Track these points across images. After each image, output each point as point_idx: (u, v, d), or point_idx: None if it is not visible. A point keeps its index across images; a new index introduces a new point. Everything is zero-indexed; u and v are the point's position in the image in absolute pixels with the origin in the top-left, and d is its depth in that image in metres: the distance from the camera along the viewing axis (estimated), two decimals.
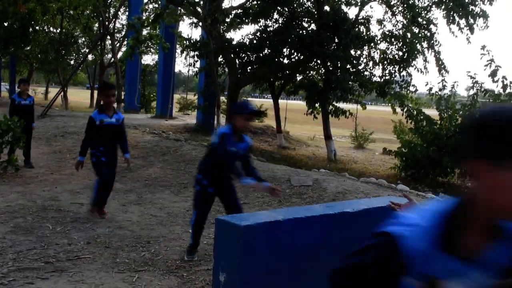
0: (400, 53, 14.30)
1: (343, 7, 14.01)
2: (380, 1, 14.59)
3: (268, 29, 14.93)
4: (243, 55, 14.86)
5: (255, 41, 14.80)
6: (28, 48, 30.63)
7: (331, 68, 13.97)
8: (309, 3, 14.83)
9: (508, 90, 9.80)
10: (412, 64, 14.30)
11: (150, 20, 13.28)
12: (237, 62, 14.66)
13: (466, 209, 1.20)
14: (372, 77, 14.88)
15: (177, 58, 23.24)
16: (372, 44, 14.60)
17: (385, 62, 14.69)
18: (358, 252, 1.43)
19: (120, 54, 30.81)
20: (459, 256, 1.19)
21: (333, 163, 13.70)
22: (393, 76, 14.66)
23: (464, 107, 11.27)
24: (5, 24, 27.66)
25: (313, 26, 14.65)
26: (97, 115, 5.82)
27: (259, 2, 14.39)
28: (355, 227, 3.88)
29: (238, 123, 4.35)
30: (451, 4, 13.03)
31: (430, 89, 12.24)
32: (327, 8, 13.79)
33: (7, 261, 4.30)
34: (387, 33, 14.48)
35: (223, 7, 13.32)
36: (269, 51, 14.46)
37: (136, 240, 5.12)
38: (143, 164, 9.67)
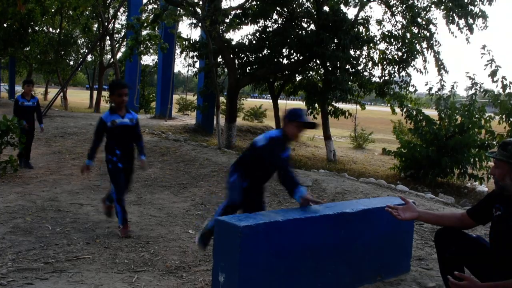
0: (400, 54, 14.30)
1: (343, 7, 14.02)
2: (380, 1, 14.60)
3: (268, 30, 14.93)
4: (243, 55, 14.86)
5: (254, 42, 14.80)
6: (27, 48, 30.66)
7: (330, 69, 13.97)
8: (308, 3, 14.83)
9: (508, 90, 9.80)
10: (412, 65, 14.31)
11: (149, 21, 13.29)
12: (237, 62, 14.66)
13: None
14: (372, 77, 14.89)
15: (177, 58, 23.26)
16: (371, 45, 14.61)
17: (385, 63, 14.69)
18: None
19: (119, 54, 30.84)
20: None
21: (332, 164, 13.70)
22: (393, 76, 14.66)
23: (464, 107, 11.28)
24: (5, 25, 27.67)
25: (312, 26, 14.65)
26: (108, 116, 5.37)
27: (258, 2, 14.38)
28: (354, 227, 3.89)
29: (290, 131, 4.01)
30: (451, 4, 13.04)
31: (430, 89, 12.25)
32: (326, 8, 13.79)
33: (6, 261, 4.30)
34: (387, 33, 14.48)
35: (223, 8, 13.32)
36: (268, 51, 14.46)
37: (136, 241, 5.12)
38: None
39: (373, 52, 15.02)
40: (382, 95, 14.81)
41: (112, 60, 29.96)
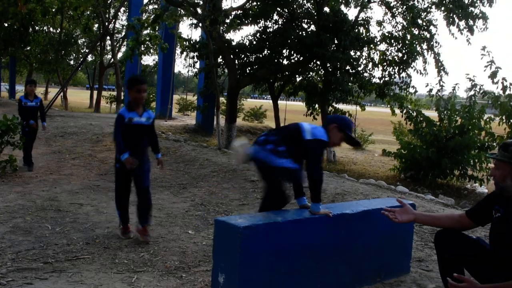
0: (400, 55, 14.31)
1: (343, 8, 14.03)
2: (380, 2, 14.61)
3: (268, 30, 14.94)
4: (243, 56, 14.87)
5: (254, 42, 14.81)
6: (28, 48, 30.66)
7: (330, 69, 13.98)
8: (308, 4, 14.84)
9: (508, 92, 9.81)
10: (412, 66, 14.32)
11: (149, 21, 13.29)
12: (237, 63, 14.66)
13: None
14: (372, 78, 14.91)
15: (177, 59, 23.26)
16: (371, 46, 14.62)
17: (385, 64, 14.70)
18: None
19: (120, 54, 30.86)
20: None
21: (332, 164, 13.71)
22: (393, 77, 14.67)
23: (464, 108, 11.28)
24: (5, 24, 27.68)
25: (312, 27, 14.66)
26: (126, 112, 5.01)
27: (259, 3, 14.39)
28: (354, 228, 3.89)
29: (335, 139, 3.87)
30: (451, 5, 13.05)
31: (430, 90, 12.26)
32: (326, 9, 13.81)
33: (6, 261, 4.30)
34: (387, 34, 14.49)
35: (223, 8, 13.32)
36: (268, 52, 14.47)
37: (135, 241, 5.12)
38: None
39: (374, 53, 15.04)
40: (382, 96, 14.82)
41: (112, 60, 30.00)
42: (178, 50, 21.21)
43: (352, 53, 13.97)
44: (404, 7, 14.07)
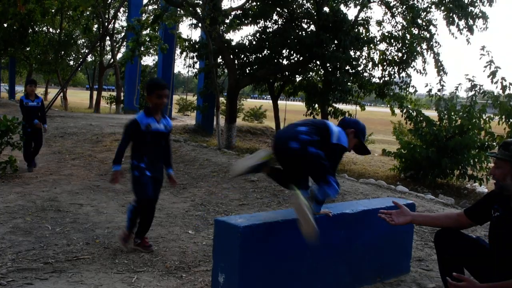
0: (400, 54, 14.31)
1: (343, 8, 14.03)
2: (380, 2, 14.62)
3: (268, 30, 14.93)
4: (243, 56, 14.87)
5: (254, 42, 14.81)
6: (27, 49, 30.67)
7: (330, 69, 13.98)
8: (308, 4, 14.84)
9: (507, 91, 9.82)
10: (412, 65, 14.33)
11: (149, 22, 13.30)
12: (237, 63, 14.67)
13: None
14: (372, 78, 14.91)
15: (177, 59, 23.26)
16: (371, 45, 14.62)
17: (385, 63, 14.70)
18: None
19: (119, 55, 30.89)
20: None
21: None
22: (393, 77, 14.67)
23: (464, 108, 11.28)
24: (5, 25, 27.68)
25: (312, 27, 14.66)
26: (143, 118, 4.65)
27: (258, 3, 14.39)
28: (354, 228, 3.89)
29: (352, 145, 3.77)
30: (451, 5, 13.05)
31: (430, 90, 12.26)
32: (326, 9, 13.81)
33: (6, 261, 4.30)
34: (387, 34, 14.50)
35: (223, 8, 13.33)
36: (268, 52, 14.47)
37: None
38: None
39: (373, 53, 15.04)
40: (382, 96, 14.82)
41: (112, 60, 30.00)
42: (177, 51, 21.22)
43: (352, 53, 13.98)
44: (404, 6, 14.07)
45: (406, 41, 13.89)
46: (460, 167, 11.20)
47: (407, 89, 14.80)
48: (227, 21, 13.50)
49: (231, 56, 14.17)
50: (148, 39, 13.56)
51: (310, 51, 13.18)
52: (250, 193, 7.34)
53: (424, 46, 14.30)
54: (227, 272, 3.28)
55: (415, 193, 8.50)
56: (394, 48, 14.43)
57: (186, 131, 17.00)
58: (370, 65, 14.90)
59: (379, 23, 14.83)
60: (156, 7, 23.57)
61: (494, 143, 10.56)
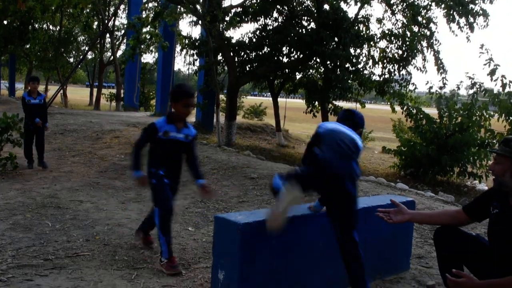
0: (400, 52, 14.30)
1: (343, 5, 14.02)
2: None
3: (268, 28, 14.93)
4: (243, 53, 14.86)
5: (254, 40, 14.80)
6: (27, 46, 30.64)
7: (330, 67, 13.98)
8: (308, 1, 14.84)
9: (507, 89, 9.82)
10: (412, 63, 14.32)
11: (150, 19, 13.28)
12: (237, 60, 14.66)
13: None
14: (372, 75, 14.90)
15: (177, 56, 23.29)
16: (371, 43, 14.61)
17: (385, 61, 14.69)
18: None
19: (119, 52, 30.88)
20: None
21: None
22: (393, 74, 14.67)
23: (466, 106, 11.28)
24: (5, 22, 27.66)
25: (312, 24, 14.65)
26: (163, 125, 4.35)
27: (258, 0, 14.38)
28: None
29: None
30: (451, 2, 13.04)
31: (430, 87, 12.27)
32: (326, 6, 13.80)
33: (6, 258, 4.31)
34: (387, 31, 14.48)
35: (223, 6, 13.32)
36: (268, 49, 14.47)
37: (135, 238, 5.12)
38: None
39: (374, 51, 15.03)
40: (382, 94, 14.82)
41: (112, 57, 30.00)
42: (177, 48, 21.21)
43: (352, 50, 13.97)
44: (404, 4, 14.06)
45: (406, 39, 13.89)
46: (460, 164, 11.21)
47: (407, 86, 14.80)
48: (227, 18, 13.48)
49: (231, 54, 14.16)
50: (148, 37, 13.54)
51: (310, 48, 13.18)
52: (250, 190, 7.34)
53: (424, 43, 14.29)
54: (227, 269, 3.28)
55: (415, 190, 8.50)
56: (394, 46, 14.43)
57: None
58: (370, 62, 14.90)
59: (379, 20, 14.82)
60: (156, 4, 23.55)
61: (494, 141, 10.56)
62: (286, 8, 14.77)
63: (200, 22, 13.11)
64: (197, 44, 15.04)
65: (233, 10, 14.30)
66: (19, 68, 37.20)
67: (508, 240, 3.00)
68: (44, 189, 7.31)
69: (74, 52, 34.08)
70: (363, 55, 14.84)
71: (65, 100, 30.37)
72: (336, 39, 13.37)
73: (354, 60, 13.90)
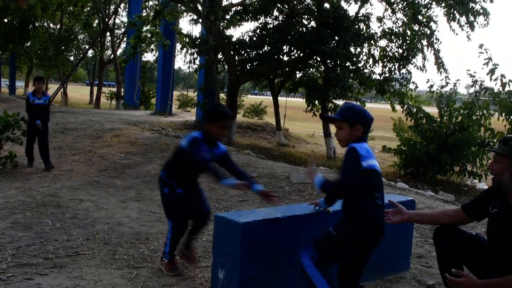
0: (400, 51, 14.30)
1: (343, 4, 14.03)
2: None
3: (268, 26, 14.92)
4: (243, 52, 14.86)
5: (254, 38, 14.79)
6: (28, 44, 30.63)
7: (330, 66, 13.98)
8: (309, 0, 14.82)
9: (507, 88, 9.82)
10: (412, 62, 14.32)
11: (150, 18, 13.28)
12: (237, 59, 14.65)
13: None
14: (372, 74, 14.90)
15: (177, 55, 23.27)
16: (372, 42, 14.60)
17: (385, 60, 14.69)
18: None
19: (120, 50, 30.87)
20: None
21: (332, 161, 13.71)
22: (393, 73, 14.67)
23: (466, 105, 11.27)
24: (5, 20, 27.67)
25: (313, 23, 14.65)
26: (202, 145, 4.06)
27: None
28: None
29: None
30: (452, 1, 13.03)
31: (431, 86, 12.26)
32: (327, 5, 13.79)
33: (6, 256, 4.31)
34: (387, 30, 14.48)
35: (223, 4, 13.32)
36: (268, 48, 14.46)
37: (135, 237, 5.13)
38: (143, 161, 9.67)
39: (374, 49, 15.03)
40: (382, 92, 14.82)
41: (112, 56, 29.99)
42: (178, 46, 21.20)
43: (352, 49, 13.97)
44: (405, 3, 14.05)
45: (407, 38, 13.88)
46: (460, 163, 11.20)
47: (408, 85, 14.80)
48: (227, 17, 13.47)
49: (232, 52, 14.16)
50: (149, 35, 13.53)
51: (311, 47, 13.17)
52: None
53: (425, 42, 14.28)
54: (227, 268, 3.28)
55: (415, 189, 8.50)
56: (395, 45, 14.43)
57: (186, 127, 16.98)
58: (370, 61, 14.91)
59: (379, 19, 14.82)
60: (156, 2, 23.53)
61: (494, 140, 10.56)
62: (287, 7, 14.76)
63: (200, 20, 13.10)
64: (197, 42, 15.04)
65: (233, 9, 14.30)
66: (19, 66, 37.19)
67: (508, 239, 3.00)
68: (44, 187, 7.31)
69: (74, 51, 34.03)
70: (364, 53, 14.86)
71: (65, 98, 30.35)
72: (336, 37, 13.37)
73: (354, 59, 13.90)
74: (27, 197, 6.64)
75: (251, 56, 14.83)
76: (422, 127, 11.70)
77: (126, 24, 25.80)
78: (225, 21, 13.55)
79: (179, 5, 13.60)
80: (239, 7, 14.51)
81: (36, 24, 30.16)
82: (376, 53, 14.95)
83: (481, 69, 11.09)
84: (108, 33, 30.11)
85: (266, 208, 3.72)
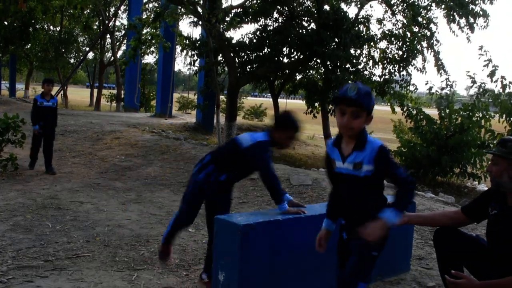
0: (400, 52, 14.30)
1: (343, 6, 14.02)
2: (380, 0, 14.60)
3: (268, 28, 14.91)
4: (243, 54, 14.85)
5: (254, 40, 14.79)
6: (28, 46, 30.65)
7: (330, 68, 13.96)
8: (308, 2, 14.82)
9: (507, 90, 9.82)
10: (412, 63, 14.32)
11: (150, 20, 13.28)
12: (237, 61, 14.65)
13: None
14: (372, 76, 14.89)
15: (177, 57, 23.27)
16: (372, 43, 14.61)
17: (385, 61, 14.69)
18: None
19: (120, 53, 30.90)
20: None
21: None
22: (393, 75, 14.66)
23: (466, 106, 11.26)
24: (6, 22, 27.70)
25: (313, 25, 14.64)
26: (269, 149, 3.86)
27: (259, 1, 14.37)
28: None
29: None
30: (451, 3, 13.04)
31: (430, 88, 12.25)
32: (327, 7, 13.79)
33: (7, 259, 4.31)
34: (387, 32, 14.48)
35: (223, 6, 13.32)
36: (268, 50, 14.45)
37: (135, 239, 5.13)
38: (143, 163, 9.68)
39: (374, 51, 15.03)
40: (382, 94, 14.81)
41: (112, 58, 30.01)
42: (178, 49, 21.20)
43: (352, 51, 13.96)
44: (404, 4, 14.05)
45: (407, 39, 13.88)
46: (460, 165, 11.20)
47: (408, 87, 14.79)
48: (227, 19, 13.47)
49: (232, 54, 14.15)
50: (149, 37, 13.52)
51: (311, 49, 13.17)
52: (250, 191, 7.35)
53: (425, 44, 14.29)
54: (227, 270, 3.28)
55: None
56: (395, 46, 14.42)
57: (186, 129, 17.00)
58: (370, 63, 14.89)
59: (379, 21, 14.81)
60: (156, 4, 23.55)
61: (495, 141, 10.55)
62: (287, 9, 14.76)
63: (200, 22, 13.11)
64: (197, 44, 15.03)
65: (233, 11, 14.30)
66: (19, 68, 37.19)
67: (507, 240, 3.00)
68: (45, 190, 7.32)
69: (74, 53, 34.07)
70: (363, 55, 14.84)
71: (65, 100, 30.36)
72: (336, 39, 13.36)
73: (354, 61, 13.89)
74: (27, 199, 6.64)
75: (251, 58, 14.82)
76: (422, 129, 11.69)
77: (126, 26, 25.83)
78: (225, 23, 13.55)
79: (179, 7, 13.60)
80: (239, 9, 14.51)
81: (37, 26, 30.16)
82: (376, 55, 14.95)
83: (481, 70, 11.08)
84: (108, 35, 30.13)
85: (266, 210, 3.72)
